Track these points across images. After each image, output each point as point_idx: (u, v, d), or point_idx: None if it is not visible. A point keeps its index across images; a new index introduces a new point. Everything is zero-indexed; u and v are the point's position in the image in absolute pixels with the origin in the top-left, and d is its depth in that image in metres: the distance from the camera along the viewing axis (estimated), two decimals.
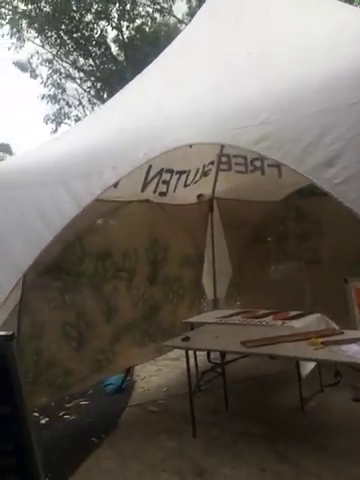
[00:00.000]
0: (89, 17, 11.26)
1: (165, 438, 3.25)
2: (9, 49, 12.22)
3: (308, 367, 3.35)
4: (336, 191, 1.65)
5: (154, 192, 3.90)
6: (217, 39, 2.64)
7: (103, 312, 3.65)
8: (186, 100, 2.26)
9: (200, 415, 3.35)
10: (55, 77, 12.52)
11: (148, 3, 11.62)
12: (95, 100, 12.81)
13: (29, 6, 10.95)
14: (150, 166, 3.49)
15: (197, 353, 3.98)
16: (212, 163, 4.31)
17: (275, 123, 1.78)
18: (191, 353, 3.82)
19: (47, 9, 10.85)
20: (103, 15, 11.19)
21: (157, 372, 4.71)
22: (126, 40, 11.53)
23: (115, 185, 2.46)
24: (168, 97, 2.40)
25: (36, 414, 3.69)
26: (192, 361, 3.86)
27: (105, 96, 12.07)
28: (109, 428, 3.49)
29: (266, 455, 2.87)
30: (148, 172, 3.59)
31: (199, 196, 4.67)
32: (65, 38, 11.30)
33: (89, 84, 12.69)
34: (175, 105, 2.29)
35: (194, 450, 3.06)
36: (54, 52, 12.01)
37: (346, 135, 1.63)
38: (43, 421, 3.68)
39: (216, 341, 3.18)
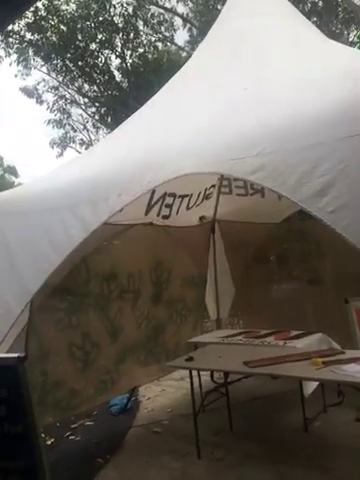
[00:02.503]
0: (94, 46, 11.69)
1: (169, 459, 3.27)
2: (16, 76, 12.72)
3: (311, 387, 3.38)
4: (329, 219, 1.76)
5: (157, 215, 4.03)
6: (216, 74, 2.80)
7: (108, 333, 3.71)
8: (187, 131, 2.39)
9: (204, 436, 3.37)
10: (61, 103, 12.92)
11: (150, 32, 12.06)
12: (99, 124, 13.15)
13: (36, 35, 11.38)
14: (153, 191, 3.61)
15: (201, 373, 4.02)
16: (213, 186, 4.45)
17: (270, 155, 1.90)
18: (195, 373, 3.87)
19: (53, 38, 11.27)
20: (107, 44, 11.61)
21: (161, 392, 4.73)
22: (129, 67, 11.91)
23: (121, 209, 2.57)
24: (170, 128, 2.53)
25: (42, 435, 3.72)
26: (196, 381, 3.91)
27: (109, 120, 12.41)
28: (114, 449, 3.51)
29: (270, 477, 2.88)
30: (151, 196, 3.71)
31: (201, 218, 4.79)
32: (70, 66, 11.69)
33: (93, 109, 13.06)
34: (176, 136, 2.42)
35: (198, 471, 3.08)
36: (60, 79, 12.42)
37: (336, 167, 1.75)
38: (49, 442, 3.70)
39: (219, 361, 3.23)
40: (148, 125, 2.87)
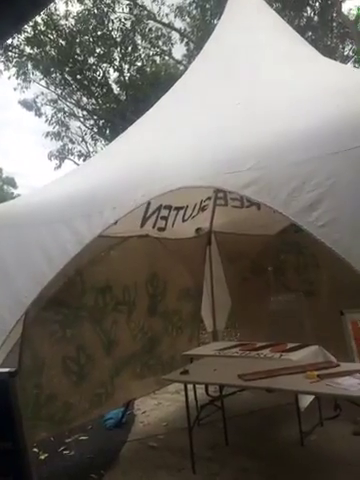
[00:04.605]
0: (92, 60, 11.84)
1: (164, 474, 3.23)
2: (15, 89, 12.82)
3: (307, 400, 3.36)
4: (319, 233, 1.79)
5: (153, 227, 4.04)
6: (209, 89, 2.85)
7: (103, 345, 3.69)
8: (181, 146, 2.43)
9: (199, 450, 3.35)
10: (59, 115, 13.02)
11: (148, 46, 12.24)
12: (98, 137, 13.24)
13: (35, 50, 11.54)
14: (149, 203, 3.63)
15: (197, 386, 4.00)
16: (209, 199, 4.47)
17: (262, 169, 1.93)
18: (190, 386, 3.85)
19: (52, 52, 11.42)
20: (105, 58, 11.77)
21: (157, 406, 4.69)
22: (127, 81, 12.06)
23: (115, 222, 2.58)
24: (164, 143, 2.57)
25: (35, 450, 3.68)
26: (192, 394, 3.89)
27: (107, 133, 12.51)
28: (109, 464, 3.47)
29: None
30: (147, 209, 3.73)
31: (197, 230, 4.80)
32: (69, 79, 11.83)
33: (92, 122, 13.16)
34: (170, 150, 2.45)
35: None
36: (58, 92, 12.55)
37: (326, 182, 1.78)
38: (42, 457, 3.66)
39: (214, 374, 3.21)
40: (142, 139, 2.90)
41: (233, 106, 2.45)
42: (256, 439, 3.61)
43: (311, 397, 3.34)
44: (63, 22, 11.51)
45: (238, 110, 2.40)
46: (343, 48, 13.36)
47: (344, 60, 13.03)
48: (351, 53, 13.14)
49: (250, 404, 4.16)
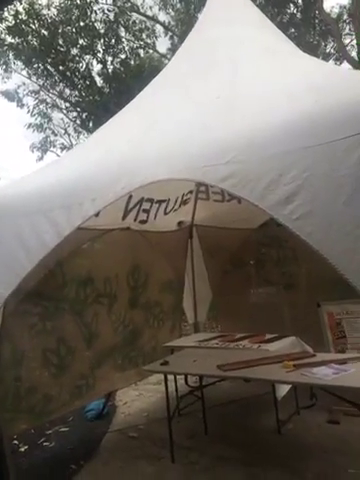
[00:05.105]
0: (75, 51, 11.68)
1: (144, 464, 3.27)
2: None
3: (283, 390, 3.44)
4: (294, 226, 1.82)
5: (135, 220, 4.05)
6: (190, 82, 2.85)
7: (84, 337, 3.70)
8: (161, 138, 2.43)
9: (179, 440, 3.40)
10: (41, 107, 12.82)
11: (132, 39, 12.13)
12: (80, 129, 13.10)
13: (16, 39, 11.31)
14: (130, 196, 3.64)
15: (177, 377, 4.05)
16: (191, 192, 4.50)
17: (240, 163, 1.95)
18: (171, 377, 3.90)
19: (34, 42, 11.21)
20: (88, 49, 11.62)
21: (138, 397, 4.73)
22: (111, 73, 11.94)
23: (96, 214, 2.57)
24: (145, 135, 2.56)
25: (15, 442, 3.68)
26: (172, 385, 3.94)
27: (90, 125, 12.38)
28: (89, 455, 3.49)
29: (243, 479, 2.92)
30: (128, 201, 3.74)
31: (179, 223, 4.83)
32: (51, 70, 11.65)
33: (75, 114, 13.01)
34: (151, 143, 2.45)
35: (172, 476, 3.09)
36: (40, 83, 12.34)
37: (301, 175, 1.81)
38: (22, 449, 3.66)
39: (194, 365, 3.26)
40: (123, 131, 2.89)
41: (213, 99, 2.46)
42: (234, 428, 3.68)
43: (288, 387, 3.42)
44: (45, 12, 11.32)
45: (218, 104, 2.42)
46: (325, 45, 13.51)
47: (326, 57, 13.17)
48: (333, 50, 13.31)
49: (229, 394, 4.24)
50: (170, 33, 12.68)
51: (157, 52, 12.97)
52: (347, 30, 12.45)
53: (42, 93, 12.73)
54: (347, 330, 3.78)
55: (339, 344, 3.78)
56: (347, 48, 11.90)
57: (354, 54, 11.41)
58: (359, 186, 1.73)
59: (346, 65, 11.17)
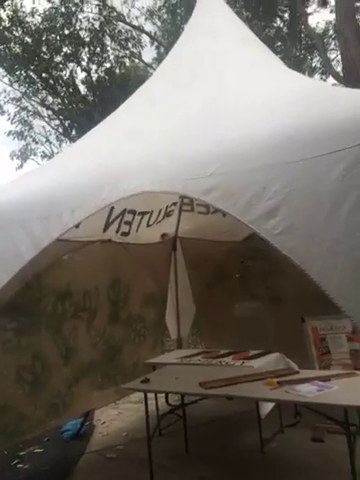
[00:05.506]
0: (59, 58, 11.59)
1: None
2: None
3: (267, 407, 3.37)
4: (276, 241, 1.79)
5: (116, 232, 3.95)
6: (174, 93, 2.81)
7: (61, 354, 3.56)
8: (144, 150, 2.37)
9: (159, 460, 3.27)
10: (23, 114, 12.63)
11: (118, 48, 12.13)
12: (63, 137, 12.95)
13: None
14: (112, 207, 3.55)
15: (159, 395, 3.93)
16: (175, 204, 4.43)
17: (223, 176, 1.91)
18: (152, 395, 3.77)
19: (17, 49, 11.08)
20: (73, 57, 11.55)
21: (118, 416, 4.58)
22: (95, 82, 11.88)
23: (77, 225, 2.49)
24: (128, 146, 2.51)
25: None
26: (153, 403, 3.81)
27: (73, 133, 12.26)
28: (64, 477, 3.34)
29: None
30: (110, 213, 3.65)
31: (163, 235, 4.75)
32: (34, 77, 11.51)
33: (57, 122, 12.87)
34: (133, 154, 2.39)
35: None
36: (23, 90, 12.19)
37: (283, 190, 1.78)
38: None
39: (175, 383, 3.16)
40: (105, 142, 2.82)
41: (197, 112, 2.42)
42: (217, 447, 3.58)
43: (272, 404, 3.35)
44: (29, 19, 11.22)
45: (202, 116, 2.38)
46: (311, 59, 13.77)
47: (312, 71, 13.42)
48: (319, 65, 13.57)
49: (211, 412, 4.13)
50: (156, 43, 12.74)
51: (143, 62, 13.00)
52: (333, 45, 12.76)
53: (24, 100, 12.56)
54: (331, 346, 3.74)
55: (323, 360, 3.74)
56: (333, 63, 12.15)
57: (339, 69, 11.67)
58: (338, 202, 1.73)
59: (332, 80, 11.40)
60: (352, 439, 2.55)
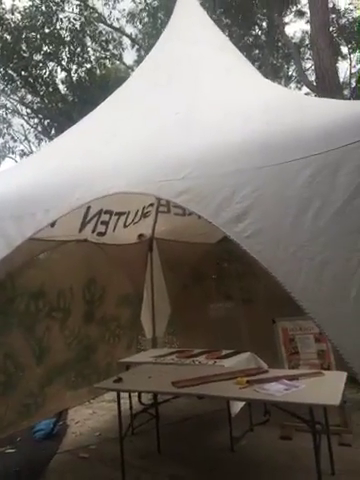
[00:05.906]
0: (38, 57, 11.46)
1: None
2: None
3: (238, 406, 3.44)
4: (245, 244, 1.84)
5: (92, 232, 3.96)
6: (150, 97, 2.86)
7: (34, 353, 3.53)
8: (119, 151, 2.40)
9: (131, 459, 3.30)
10: (1, 112, 12.45)
11: (98, 49, 12.10)
12: (42, 136, 12.81)
13: None
14: (89, 207, 3.57)
15: (132, 394, 3.95)
16: (152, 205, 4.47)
17: (195, 179, 1.96)
18: (125, 395, 3.80)
19: None
20: (53, 56, 11.45)
21: (91, 415, 4.58)
22: (75, 81, 11.81)
23: (52, 225, 2.49)
24: (103, 146, 2.53)
25: None
26: (127, 403, 3.84)
27: (52, 132, 12.14)
28: (36, 477, 3.32)
29: None
30: (87, 213, 3.66)
31: (140, 236, 4.78)
32: (13, 75, 11.35)
33: (36, 120, 12.72)
34: (108, 155, 2.41)
35: None
36: (1, 88, 11.99)
37: (253, 194, 1.84)
38: None
39: (148, 382, 3.19)
40: (82, 141, 2.84)
41: (172, 115, 2.47)
42: (188, 446, 3.63)
43: (242, 403, 3.43)
44: (9, 16, 11.06)
45: (177, 119, 2.43)
46: (288, 68, 14.06)
47: (288, 80, 13.69)
48: (295, 73, 13.86)
49: (184, 411, 4.19)
50: (137, 46, 12.76)
51: (124, 64, 13.00)
52: (308, 55, 13.07)
53: (2, 98, 12.38)
54: (300, 346, 3.85)
55: (292, 360, 3.84)
56: (308, 72, 12.45)
57: (313, 78, 11.95)
58: (304, 208, 1.79)
59: (306, 89, 11.67)
60: (317, 437, 2.60)
